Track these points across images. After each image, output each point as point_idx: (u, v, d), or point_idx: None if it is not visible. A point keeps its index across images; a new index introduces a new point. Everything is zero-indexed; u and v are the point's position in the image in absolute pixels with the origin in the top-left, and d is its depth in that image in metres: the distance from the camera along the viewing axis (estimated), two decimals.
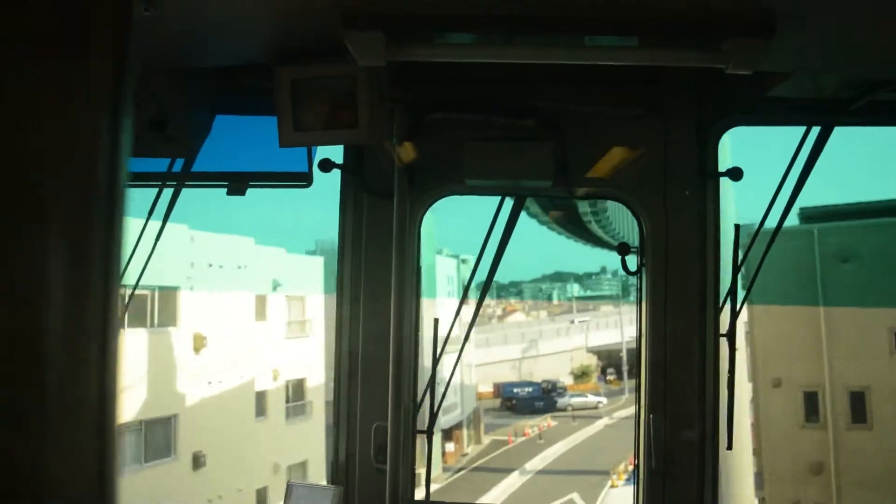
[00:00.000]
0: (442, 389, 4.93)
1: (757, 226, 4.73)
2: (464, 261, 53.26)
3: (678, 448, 4.67)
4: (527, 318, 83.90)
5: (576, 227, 66.55)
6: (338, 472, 4.83)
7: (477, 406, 56.64)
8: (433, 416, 4.87)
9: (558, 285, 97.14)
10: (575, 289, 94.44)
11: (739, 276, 4.77)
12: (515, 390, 67.03)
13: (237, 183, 4.71)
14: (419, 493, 4.94)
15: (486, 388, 65.77)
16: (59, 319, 1.13)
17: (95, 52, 1.18)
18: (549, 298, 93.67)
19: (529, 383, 68.16)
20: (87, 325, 1.16)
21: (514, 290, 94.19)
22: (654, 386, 4.72)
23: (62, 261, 1.14)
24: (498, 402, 66.69)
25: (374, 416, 4.73)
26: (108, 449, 1.16)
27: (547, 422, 61.09)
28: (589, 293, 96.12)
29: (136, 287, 5.10)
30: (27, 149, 1.11)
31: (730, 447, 4.69)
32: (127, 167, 1.24)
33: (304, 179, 4.65)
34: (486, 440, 56.61)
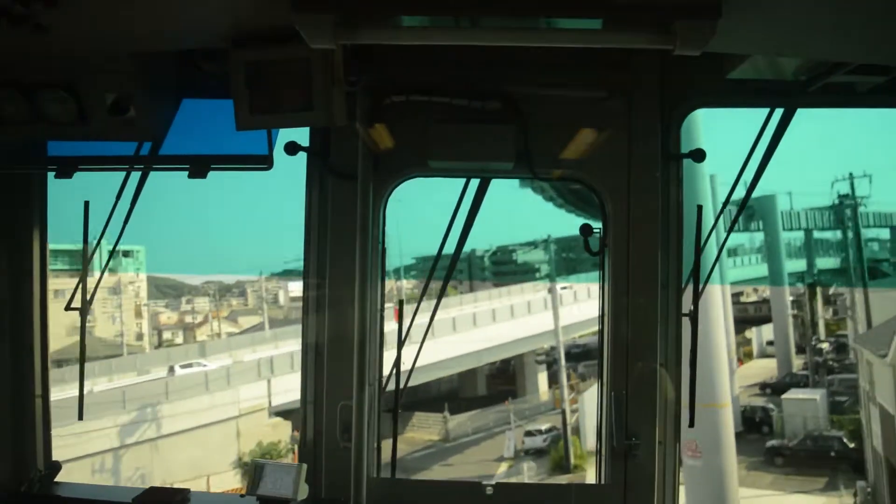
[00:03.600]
0: (407, 369, 5.01)
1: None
2: None
3: (640, 426, 4.73)
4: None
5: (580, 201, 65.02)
6: (305, 449, 4.91)
7: None
8: (398, 396, 4.95)
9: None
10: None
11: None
12: None
13: (198, 166, 4.75)
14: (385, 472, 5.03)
15: None
16: None
17: None
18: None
19: None
20: None
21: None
22: (617, 365, 4.78)
23: None
24: None
25: (341, 396, 4.80)
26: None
27: None
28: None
29: (104, 271, 5.16)
30: None
31: (691, 425, 4.77)
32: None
33: (264, 162, 4.69)
34: None
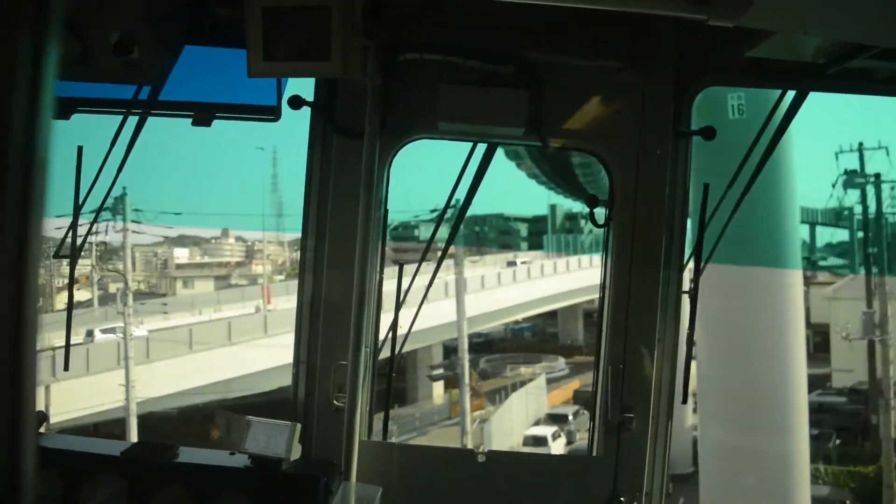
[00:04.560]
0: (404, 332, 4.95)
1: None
2: None
3: (634, 401, 4.75)
4: None
5: (564, 181, 65.05)
6: (297, 409, 4.85)
7: None
8: (393, 359, 4.90)
9: None
10: None
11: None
12: None
13: (203, 113, 4.61)
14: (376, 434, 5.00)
15: None
16: None
17: None
18: None
19: None
20: None
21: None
22: (615, 338, 4.77)
23: None
24: None
25: (336, 356, 4.74)
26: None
27: None
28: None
29: (96, 218, 5.00)
30: None
31: (684, 401, 4.80)
32: (51, 98, 1.14)
33: (272, 113, 4.56)
34: None
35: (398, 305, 4.83)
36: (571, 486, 4.89)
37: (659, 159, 4.73)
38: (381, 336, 4.92)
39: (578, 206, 77.59)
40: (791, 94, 4.65)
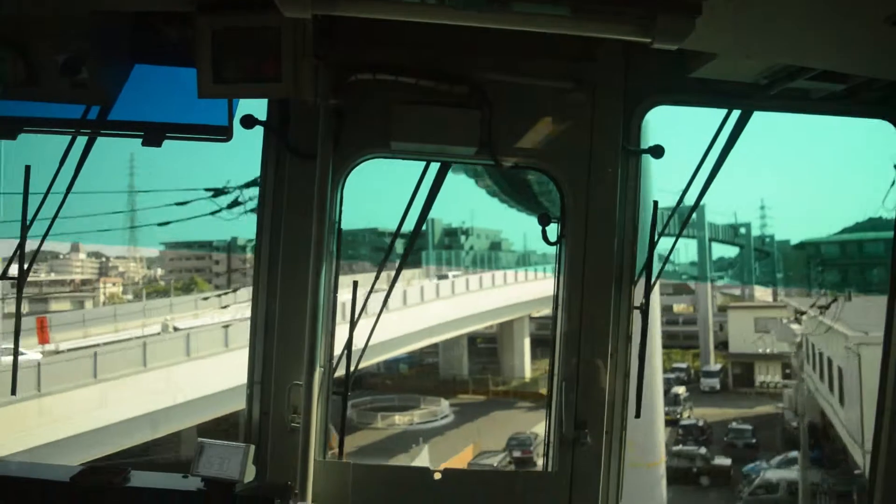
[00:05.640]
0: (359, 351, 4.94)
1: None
2: None
3: (588, 416, 4.80)
4: None
5: (522, 197, 65.08)
6: (251, 430, 4.81)
7: None
8: (349, 378, 4.89)
9: None
10: None
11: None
12: None
13: (153, 133, 4.57)
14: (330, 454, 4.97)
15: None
16: None
17: None
18: None
19: None
20: None
21: None
22: (568, 354, 4.83)
23: None
24: None
25: (290, 376, 4.71)
26: None
27: None
28: None
29: (43, 239, 4.92)
30: None
31: (637, 415, 4.86)
32: None
33: (223, 133, 4.54)
34: None
35: (353, 324, 4.83)
36: (527, 501, 4.91)
37: (609, 177, 4.81)
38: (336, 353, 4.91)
39: (458, 222, 76.66)
40: (736, 113, 4.77)
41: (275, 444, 4.74)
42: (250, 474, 4.39)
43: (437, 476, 4.85)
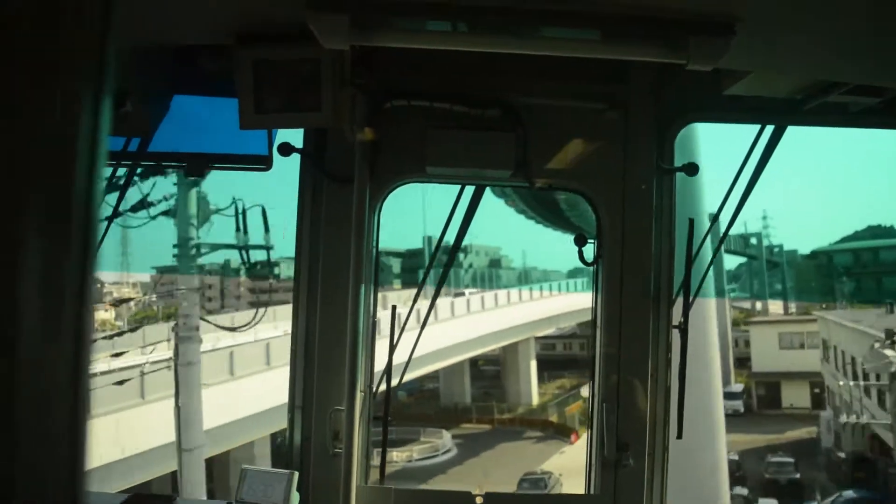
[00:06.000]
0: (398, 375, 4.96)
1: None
2: None
3: (630, 437, 4.76)
4: None
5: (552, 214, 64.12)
6: (293, 456, 4.82)
7: None
8: (388, 402, 4.90)
9: None
10: None
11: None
12: None
13: (196, 163, 4.65)
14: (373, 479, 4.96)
15: None
16: (33, 309, 1.08)
17: (73, 22, 1.11)
18: None
19: None
20: (61, 315, 1.12)
21: None
22: (608, 375, 4.81)
23: (37, 251, 1.09)
24: None
25: (331, 402, 4.73)
26: (80, 438, 1.14)
27: None
28: None
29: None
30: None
31: (679, 436, 4.82)
32: (105, 151, 1.18)
33: (263, 163, 4.61)
34: None
35: (392, 348, 4.85)
36: None
37: (644, 196, 4.82)
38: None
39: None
40: (769, 129, 4.77)
41: (317, 470, 4.75)
42: (294, 501, 4.40)
43: (479, 500, 4.82)
